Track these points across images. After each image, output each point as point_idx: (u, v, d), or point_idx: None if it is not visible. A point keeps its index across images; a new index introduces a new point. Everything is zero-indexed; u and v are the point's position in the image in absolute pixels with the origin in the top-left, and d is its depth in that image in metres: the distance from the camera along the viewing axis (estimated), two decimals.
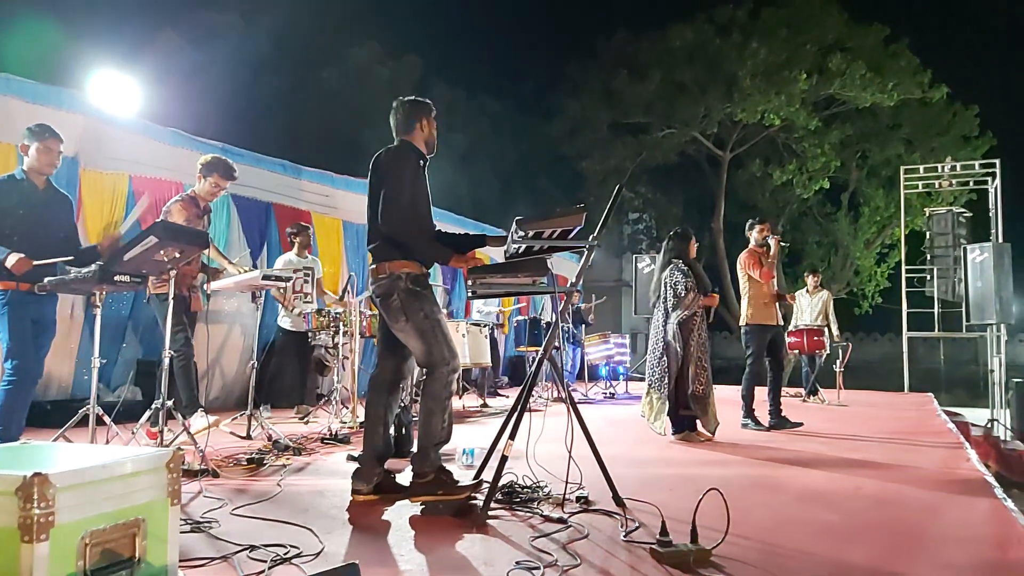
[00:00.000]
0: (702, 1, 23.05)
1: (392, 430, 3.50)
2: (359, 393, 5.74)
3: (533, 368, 3.56)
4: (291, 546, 2.51)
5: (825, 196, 21.01)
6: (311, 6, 18.07)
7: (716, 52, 19.06)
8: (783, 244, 6.81)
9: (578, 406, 3.42)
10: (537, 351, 6.74)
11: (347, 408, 5.86)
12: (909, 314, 12.00)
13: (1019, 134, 21.58)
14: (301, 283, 6.33)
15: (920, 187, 13.39)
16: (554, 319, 3.63)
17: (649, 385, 5.42)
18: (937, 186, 12.72)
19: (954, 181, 12.60)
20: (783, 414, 6.09)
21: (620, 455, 4.39)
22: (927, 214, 12.22)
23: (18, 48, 12.14)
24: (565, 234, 3.27)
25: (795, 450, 5.04)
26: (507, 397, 9.07)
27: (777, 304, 6.32)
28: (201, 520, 2.83)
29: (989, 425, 9.80)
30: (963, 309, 10.87)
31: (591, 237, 3.40)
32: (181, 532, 2.33)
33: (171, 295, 3.87)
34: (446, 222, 7.19)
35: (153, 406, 4.00)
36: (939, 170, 12.55)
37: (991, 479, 4.06)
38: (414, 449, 3.26)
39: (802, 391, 9.17)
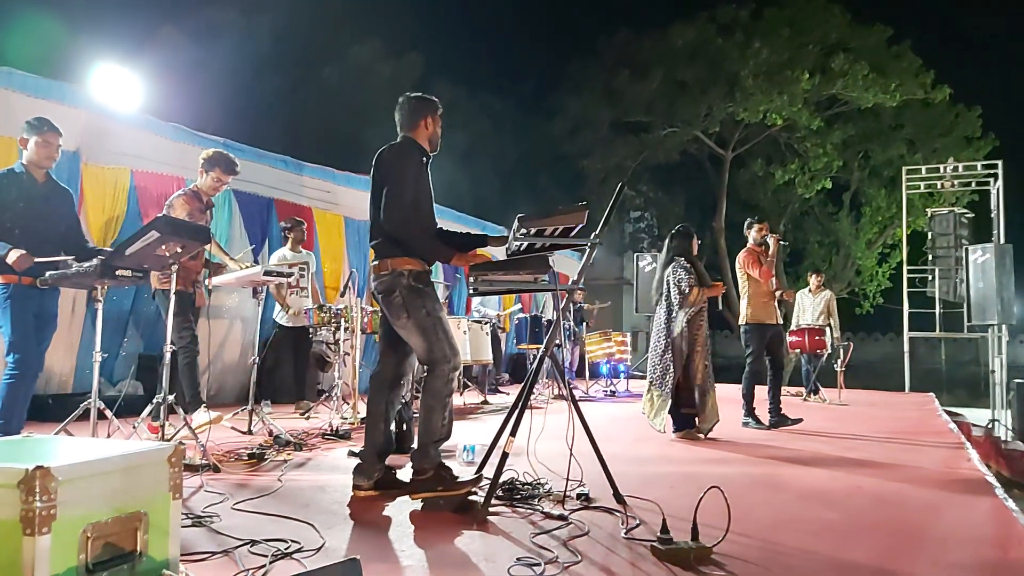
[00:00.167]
0: (704, 0, 23.07)
1: (393, 426, 3.50)
2: (360, 389, 5.75)
3: (535, 365, 3.56)
4: (292, 541, 2.51)
5: (827, 196, 20.96)
6: (313, 4, 18.07)
7: (718, 51, 19.04)
8: (782, 243, 6.81)
9: (579, 403, 3.42)
10: (538, 349, 6.74)
11: (348, 404, 5.86)
12: (910, 314, 12.01)
13: (1021, 135, 21.59)
14: (297, 278, 6.34)
15: (922, 188, 13.36)
16: (556, 317, 3.63)
17: (650, 382, 5.44)
18: (939, 187, 12.72)
19: (956, 182, 12.60)
20: (783, 412, 6.09)
21: (621, 453, 4.38)
22: (929, 215, 12.23)
23: (20, 42, 12.16)
24: (567, 232, 3.27)
25: (796, 449, 5.04)
26: (508, 394, 9.07)
27: (777, 303, 6.32)
28: (202, 514, 2.84)
29: (990, 425, 9.82)
30: (964, 310, 10.88)
31: (593, 235, 3.40)
32: (182, 526, 2.33)
33: (172, 290, 3.86)
34: (448, 219, 7.19)
35: (155, 400, 4.00)
36: (941, 171, 12.54)
37: (992, 479, 4.06)
38: (415, 445, 3.26)
39: (803, 390, 9.17)
